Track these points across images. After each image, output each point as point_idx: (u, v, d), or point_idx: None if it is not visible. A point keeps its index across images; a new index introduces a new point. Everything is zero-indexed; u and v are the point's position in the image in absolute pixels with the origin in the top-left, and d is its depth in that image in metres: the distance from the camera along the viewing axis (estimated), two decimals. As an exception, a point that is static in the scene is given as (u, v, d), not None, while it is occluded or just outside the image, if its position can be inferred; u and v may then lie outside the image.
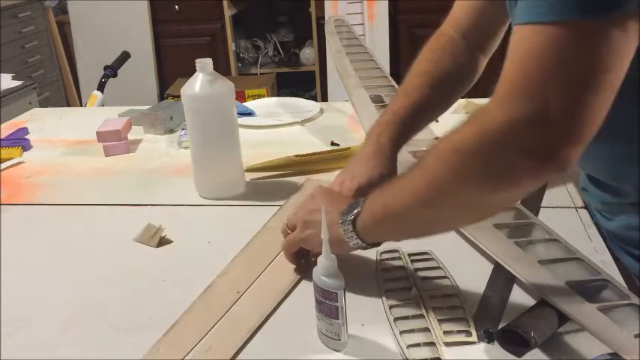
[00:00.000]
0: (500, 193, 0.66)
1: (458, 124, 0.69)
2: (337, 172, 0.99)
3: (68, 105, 3.68)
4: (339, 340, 0.72)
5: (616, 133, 0.79)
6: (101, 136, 1.40)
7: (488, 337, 0.72)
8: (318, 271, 0.71)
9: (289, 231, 0.88)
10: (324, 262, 0.71)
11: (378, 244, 0.82)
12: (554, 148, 0.61)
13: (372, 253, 0.89)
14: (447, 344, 0.71)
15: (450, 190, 0.68)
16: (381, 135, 0.98)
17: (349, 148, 1.24)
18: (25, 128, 1.57)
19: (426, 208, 0.71)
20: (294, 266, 0.89)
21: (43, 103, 3.08)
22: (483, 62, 1.06)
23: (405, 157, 1.17)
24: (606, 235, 0.94)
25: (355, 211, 0.78)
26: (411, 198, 0.72)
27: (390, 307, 0.78)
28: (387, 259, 0.89)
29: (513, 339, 0.70)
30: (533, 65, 0.61)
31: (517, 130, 0.61)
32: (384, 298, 0.80)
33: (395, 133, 0.98)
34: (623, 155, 0.81)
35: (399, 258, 0.89)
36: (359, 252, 0.88)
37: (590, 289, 0.76)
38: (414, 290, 0.81)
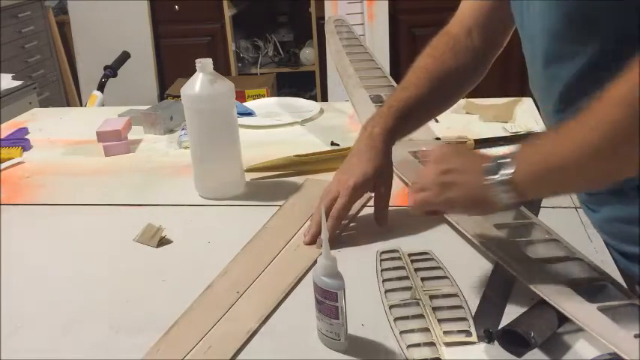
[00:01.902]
0: None
1: (623, 72, 0.66)
2: (337, 172, 0.99)
3: (68, 105, 3.68)
4: (339, 340, 0.72)
5: None
6: (101, 136, 1.40)
7: (488, 337, 0.72)
8: (318, 271, 0.71)
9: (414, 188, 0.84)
10: (324, 262, 0.71)
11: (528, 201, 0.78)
12: None
13: (372, 253, 0.90)
14: (447, 344, 0.71)
15: (632, 137, 0.65)
16: (374, 128, 0.97)
17: (349, 148, 1.23)
18: (25, 128, 1.57)
19: (601, 160, 0.68)
20: (294, 266, 0.89)
21: (43, 103, 3.08)
22: (487, 63, 1.04)
23: (405, 157, 1.17)
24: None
25: (509, 170, 0.72)
26: (582, 152, 0.68)
27: (390, 307, 0.78)
28: (387, 259, 0.89)
29: (513, 339, 0.70)
30: None
31: None
32: (384, 298, 0.80)
33: (388, 124, 0.97)
34: None
35: (399, 258, 0.89)
36: (359, 252, 0.89)
37: (590, 289, 0.76)
38: (414, 290, 0.81)
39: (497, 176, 0.73)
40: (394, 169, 1.13)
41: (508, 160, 0.73)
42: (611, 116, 0.66)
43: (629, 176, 0.75)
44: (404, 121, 0.99)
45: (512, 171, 0.72)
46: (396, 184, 1.11)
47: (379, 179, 0.95)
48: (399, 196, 1.08)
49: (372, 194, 0.99)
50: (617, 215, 0.87)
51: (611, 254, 0.88)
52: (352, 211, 0.97)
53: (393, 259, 0.89)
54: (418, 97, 0.99)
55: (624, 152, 0.67)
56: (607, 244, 0.90)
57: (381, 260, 0.89)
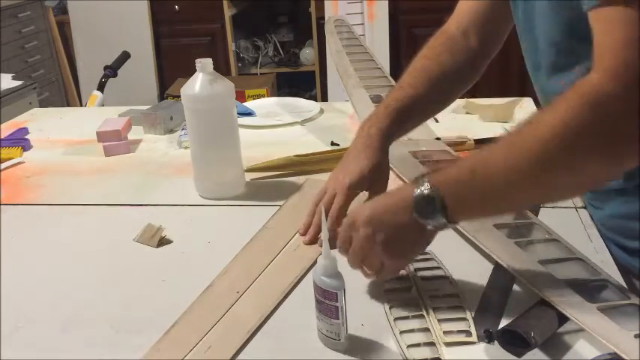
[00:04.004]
0: (620, 162, 0.68)
1: (551, 105, 0.69)
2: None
3: (68, 105, 3.68)
4: (339, 340, 0.72)
5: None
6: (101, 136, 1.40)
7: (488, 337, 0.72)
8: (318, 271, 0.71)
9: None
10: (324, 262, 0.71)
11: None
12: None
13: (372, 253, 0.89)
14: (447, 344, 0.71)
15: (566, 166, 0.68)
16: (371, 127, 0.98)
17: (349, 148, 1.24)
18: (25, 128, 1.57)
19: (536, 187, 0.71)
20: (294, 266, 0.89)
21: (43, 103, 3.08)
22: (484, 63, 1.05)
23: (405, 157, 1.17)
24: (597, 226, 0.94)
25: (440, 209, 0.73)
26: (515, 180, 0.70)
27: (390, 307, 0.78)
28: (387, 259, 0.89)
29: (513, 339, 0.70)
30: (633, 38, 0.64)
31: (636, 99, 0.63)
32: (384, 298, 0.80)
33: (385, 124, 0.97)
34: None
35: (399, 258, 0.89)
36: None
37: (590, 289, 0.76)
38: (414, 290, 0.81)
39: (434, 220, 0.74)
40: (394, 168, 1.13)
41: (435, 197, 0.73)
42: (544, 149, 0.68)
43: (563, 199, 0.84)
44: (400, 121, 0.99)
45: (443, 207, 0.73)
46: (396, 184, 1.11)
47: (375, 178, 0.96)
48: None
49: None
50: (620, 212, 0.88)
51: (611, 250, 0.89)
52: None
53: (393, 259, 0.89)
54: (415, 97, 0.99)
55: (564, 179, 0.70)
56: (609, 240, 0.91)
57: (381, 260, 0.89)
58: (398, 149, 1.19)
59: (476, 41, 1.02)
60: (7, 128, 1.58)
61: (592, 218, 0.96)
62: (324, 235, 0.71)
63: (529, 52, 0.92)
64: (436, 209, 0.73)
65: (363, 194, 0.96)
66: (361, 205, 0.81)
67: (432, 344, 0.71)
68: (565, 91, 0.69)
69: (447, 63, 1.01)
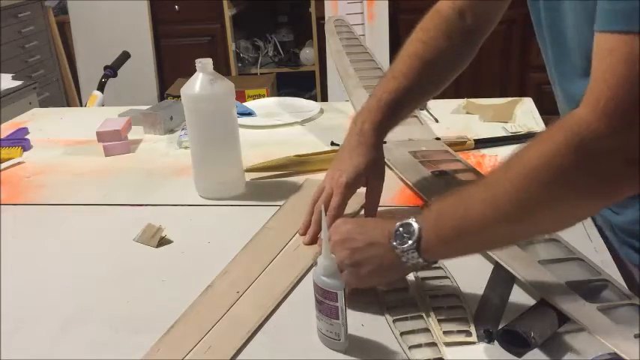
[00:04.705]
0: (603, 201, 0.67)
1: (536, 140, 0.67)
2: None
3: (68, 105, 3.68)
4: (339, 340, 0.72)
5: None
6: (101, 136, 1.40)
7: (488, 337, 0.72)
8: (318, 271, 0.71)
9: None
10: (324, 262, 0.71)
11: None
12: None
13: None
14: (447, 344, 0.71)
15: (547, 205, 0.66)
16: (364, 122, 0.96)
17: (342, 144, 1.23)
18: (25, 128, 1.57)
19: (513, 224, 0.69)
20: (294, 266, 0.89)
21: (43, 103, 3.08)
22: (480, 42, 1.03)
23: (405, 157, 1.17)
24: (604, 231, 0.94)
25: (415, 237, 0.73)
26: (493, 216, 0.69)
27: (389, 308, 0.78)
28: (387, 259, 0.89)
29: (513, 339, 0.70)
30: (632, 74, 0.60)
31: (624, 141, 0.61)
32: (382, 299, 0.80)
33: (378, 119, 0.96)
34: None
35: (399, 258, 0.89)
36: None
37: (590, 289, 0.76)
38: (414, 290, 0.81)
39: (404, 246, 0.74)
40: (394, 168, 1.13)
41: (414, 226, 0.73)
42: (524, 187, 0.66)
43: (544, 235, 0.80)
44: (393, 114, 0.98)
45: (418, 237, 0.73)
46: (396, 184, 1.12)
47: (371, 174, 0.95)
48: (400, 196, 1.08)
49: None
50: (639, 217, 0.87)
51: (625, 253, 0.89)
52: (350, 210, 0.97)
53: (393, 259, 0.89)
54: (408, 88, 0.97)
55: (544, 216, 0.68)
56: (626, 244, 0.90)
57: (381, 260, 0.89)
58: (398, 149, 1.19)
59: (472, 20, 0.99)
60: (7, 128, 1.58)
61: (609, 222, 0.94)
62: (324, 235, 0.71)
63: (552, 52, 0.89)
64: (411, 235, 0.73)
65: (360, 191, 0.96)
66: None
67: (433, 344, 0.71)
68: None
69: (443, 47, 0.99)
